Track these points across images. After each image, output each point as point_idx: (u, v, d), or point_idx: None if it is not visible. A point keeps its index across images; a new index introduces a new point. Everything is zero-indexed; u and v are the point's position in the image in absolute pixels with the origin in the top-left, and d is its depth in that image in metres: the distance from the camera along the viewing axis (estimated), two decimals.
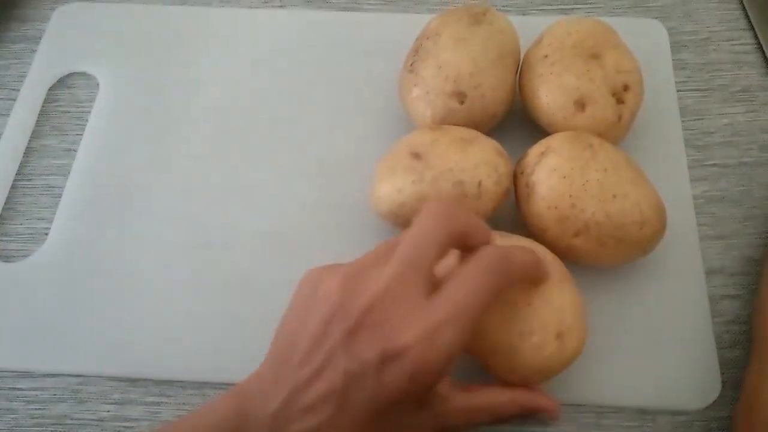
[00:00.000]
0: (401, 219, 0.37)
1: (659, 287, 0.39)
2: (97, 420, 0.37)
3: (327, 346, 0.28)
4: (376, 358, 0.27)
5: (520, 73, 0.42)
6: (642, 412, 0.37)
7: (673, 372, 0.37)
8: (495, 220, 0.38)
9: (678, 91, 0.46)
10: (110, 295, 0.40)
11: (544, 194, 0.36)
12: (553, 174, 0.36)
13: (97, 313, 0.40)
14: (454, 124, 0.40)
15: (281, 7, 0.52)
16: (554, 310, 0.33)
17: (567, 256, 0.36)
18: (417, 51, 0.42)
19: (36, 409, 0.38)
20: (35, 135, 0.47)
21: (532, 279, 0.33)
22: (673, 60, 0.47)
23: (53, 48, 0.50)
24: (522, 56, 0.43)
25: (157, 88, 0.48)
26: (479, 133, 0.39)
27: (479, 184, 0.37)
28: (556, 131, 0.39)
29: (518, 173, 0.38)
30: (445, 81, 0.40)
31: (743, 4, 0.50)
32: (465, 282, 0.29)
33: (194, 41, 0.50)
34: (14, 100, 0.47)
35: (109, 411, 0.38)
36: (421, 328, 0.27)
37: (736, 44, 0.49)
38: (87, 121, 0.47)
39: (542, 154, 0.37)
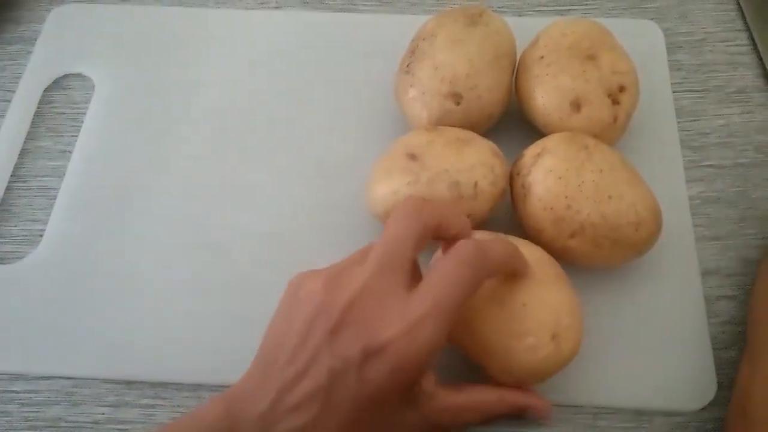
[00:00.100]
0: None
1: (655, 288, 0.39)
2: (91, 423, 0.37)
3: (311, 345, 0.28)
4: (358, 354, 0.28)
5: (516, 74, 0.42)
6: (638, 413, 0.36)
7: (670, 373, 0.37)
8: (491, 221, 0.38)
9: (674, 92, 0.46)
10: (106, 297, 0.40)
11: (540, 195, 0.36)
12: (549, 175, 0.36)
13: (91, 315, 0.39)
14: (450, 125, 0.40)
15: (277, 8, 0.52)
16: (550, 311, 0.33)
17: (563, 257, 0.36)
18: (413, 52, 0.42)
19: (30, 411, 0.38)
20: (30, 136, 0.46)
21: (512, 271, 0.33)
22: (668, 61, 0.47)
23: (49, 49, 0.50)
24: (518, 57, 0.43)
25: (152, 90, 0.48)
26: (475, 134, 0.39)
27: (475, 185, 0.37)
28: (552, 132, 0.39)
29: (514, 174, 0.38)
30: (441, 82, 0.40)
31: (739, 5, 0.50)
32: (443, 275, 0.29)
33: (190, 42, 0.50)
34: (9, 101, 0.47)
35: (103, 414, 0.37)
36: (401, 323, 0.28)
37: (731, 45, 0.49)
38: (82, 122, 0.47)
39: (538, 155, 0.37)
